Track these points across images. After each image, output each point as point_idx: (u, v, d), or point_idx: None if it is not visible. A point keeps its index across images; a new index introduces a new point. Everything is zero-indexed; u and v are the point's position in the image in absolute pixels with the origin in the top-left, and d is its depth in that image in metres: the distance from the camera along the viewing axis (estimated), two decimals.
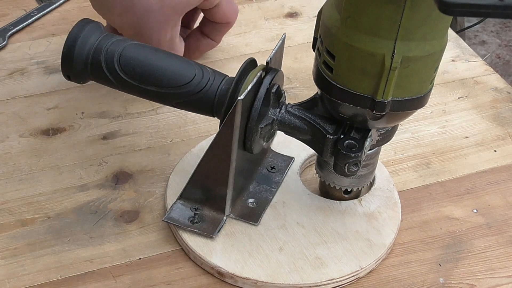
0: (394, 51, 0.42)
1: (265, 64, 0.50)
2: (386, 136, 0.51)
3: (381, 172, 0.58)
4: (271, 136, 0.53)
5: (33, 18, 0.76)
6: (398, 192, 0.57)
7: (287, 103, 0.51)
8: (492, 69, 0.73)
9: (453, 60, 0.73)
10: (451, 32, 0.77)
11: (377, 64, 0.43)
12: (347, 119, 0.48)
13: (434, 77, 0.46)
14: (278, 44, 0.52)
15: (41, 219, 0.54)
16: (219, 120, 0.51)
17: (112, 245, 0.53)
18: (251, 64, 0.51)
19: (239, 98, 0.47)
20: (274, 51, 0.51)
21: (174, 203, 0.53)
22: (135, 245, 0.53)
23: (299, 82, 0.70)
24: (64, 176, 0.58)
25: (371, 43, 0.43)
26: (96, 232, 0.54)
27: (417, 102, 0.46)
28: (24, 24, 0.75)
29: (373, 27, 0.42)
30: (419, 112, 0.51)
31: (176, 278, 0.51)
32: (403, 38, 0.42)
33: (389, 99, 0.44)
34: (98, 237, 0.53)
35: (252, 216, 0.53)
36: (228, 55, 0.72)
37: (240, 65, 0.50)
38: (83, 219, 0.55)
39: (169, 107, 0.54)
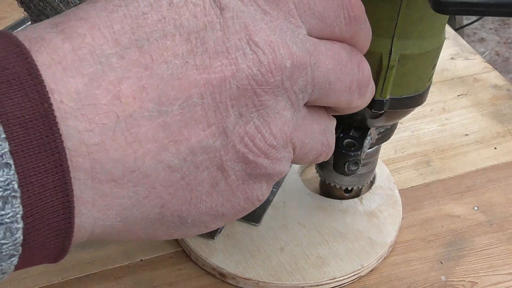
0: (391, 49, 0.42)
1: None
2: (385, 135, 0.51)
3: (381, 170, 0.58)
4: None
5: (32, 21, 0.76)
6: (398, 190, 0.57)
7: None
8: (491, 67, 0.72)
9: (452, 58, 0.73)
10: (450, 30, 0.77)
11: (374, 63, 0.43)
12: (346, 117, 0.48)
13: (432, 75, 0.46)
14: None
15: None
16: None
17: (113, 246, 0.53)
18: None
19: None
20: None
21: None
22: (136, 246, 0.53)
23: None
24: None
25: None
26: None
27: (416, 100, 0.46)
28: (23, 27, 0.75)
29: (370, 25, 0.42)
30: (419, 110, 0.51)
31: (178, 279, 0.51)
32: (400, 36, 0.42)
33: (387, 97, 0.44)
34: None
35: (253, 217, 0.53)
36: None
37: None
38: None
39: None
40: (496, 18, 2.07)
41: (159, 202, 0.31)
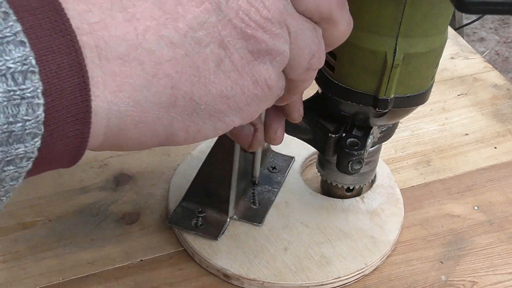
0: (396, 48, 0.42)
1: None
2: (387, 133, 0.51)
3: (382, 169, 0.58)
4: None
5: None
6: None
7: None
8: (491, 66, 0.73)
9: (452, 58, 0.73)
10: (450, 30, 0.77)
11: (379, 62, 0.43)
12: (348, 117, 0.48)
13: (435, 73, 0.46)
14: None
15: (42, 222, 0.54)
16: None
17: (113, 247, 0.53)
18: None
19: None
20: None
21: (177, 206, 0.53)
22: (136, 247, 0.53)
23: None
24: (64, 178, 0.58)
25: (372, 41, 0.43)
26: (98, 234, 0.53)
27: (419, 98, 0.46)
28: None
29: (375, 25, 0.42)
30: (419, 109, 0.51)
31: (178, 279, 0.51)
32: (404, 35, 0.42)
33: (392, 96, 0.44)
34: (99, 239, 0.53)
35: (255, 217, 0.53)
36: None
37: None
38: (84, 221, 0.54)
39: None
40: (496, 17, 2.07)
41: (169, 82, 0.32)
